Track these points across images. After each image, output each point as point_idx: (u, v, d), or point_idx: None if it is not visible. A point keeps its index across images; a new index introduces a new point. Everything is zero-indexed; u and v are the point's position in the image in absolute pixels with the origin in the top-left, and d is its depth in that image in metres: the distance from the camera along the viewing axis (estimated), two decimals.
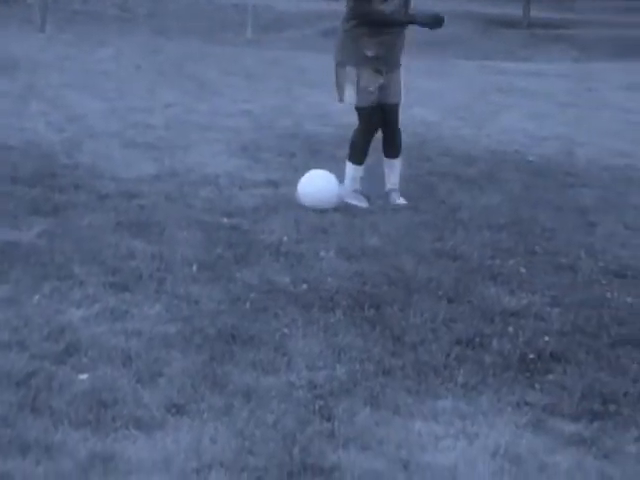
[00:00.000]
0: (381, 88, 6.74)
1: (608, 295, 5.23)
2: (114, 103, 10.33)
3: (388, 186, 6.98)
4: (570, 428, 3.77)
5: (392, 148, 7.00)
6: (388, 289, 5.13)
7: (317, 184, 6.67)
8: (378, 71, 6.70)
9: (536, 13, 25.67)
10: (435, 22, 6.77)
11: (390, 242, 5.95)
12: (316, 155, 8.34)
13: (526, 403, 3.96)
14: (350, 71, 6.71)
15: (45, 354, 4.14)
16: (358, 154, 6.91)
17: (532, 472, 3.44)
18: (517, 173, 8.14)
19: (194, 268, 5.27)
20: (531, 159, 8.86)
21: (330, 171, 7.74)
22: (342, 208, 6.67)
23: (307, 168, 7.82)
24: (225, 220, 6.24)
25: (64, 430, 3.54)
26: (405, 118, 10.31)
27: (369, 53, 6.64)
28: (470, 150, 8.84)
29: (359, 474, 3.36)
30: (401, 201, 6.85)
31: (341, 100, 6.89)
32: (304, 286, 5.09)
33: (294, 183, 7.35)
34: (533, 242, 6.13)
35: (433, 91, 12.45)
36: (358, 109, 6.81)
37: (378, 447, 3.55)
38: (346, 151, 8.56)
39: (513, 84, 14.09)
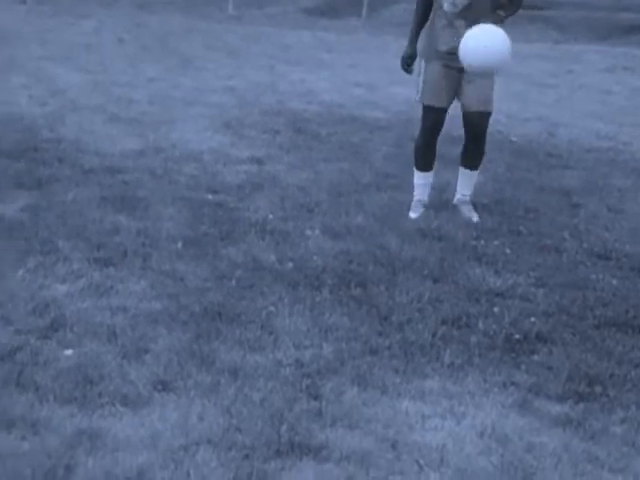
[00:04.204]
0: (459, 91, 5.94)
1: (593, 277, 5.24)
2: (97, 77, 10.25)
3: (457, 196, 6.28)
4: (556, 409, 3.78)
5: (468, 157, 6.20)
6: (374, 268, 5.12)
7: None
8: (451, 68, 5.85)
9: None
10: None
11: (375, 221, 5.94)
12: (300, 133, 8.32)
13: (512, 383, 3.96)
14: (421, 65, 6.02)
15: (30, 329, 4.11)
16: (419, 158, 6.21)
17: (519, 452, 3.45)
18: (500, 154, 8.13)
19: (179, 245, 5.24)
20: (514, 140, 8.87)
21: (313, 150, 7.75)
22: (326, 186, 6.65)
23: (291, 146, 7.84)
24: (210, 197, 6.21)
25: (49, 406, 3.52)
26: (387, 97, 10.38)
27: (442, 47, 5.87)
28: (455, 130, 8.83)
29: (347, 453, 3.36)
30: (474, 217, 6.14)
31: (417, 98, 6.09)
32: (290, 264, 5.08)
33: (278, 160, 7.35)
34: (517, 223, 6.13)
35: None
36: (422, 106, 6.07)
37: (366, 426, 3.55)
38: (330, 129, 8.60)
39: None
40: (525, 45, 17.17)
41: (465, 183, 6.30)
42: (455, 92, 5.97)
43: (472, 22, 5.65)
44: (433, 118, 6.04)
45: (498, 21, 5.74)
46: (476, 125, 6.01)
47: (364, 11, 21.84)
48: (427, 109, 6.04)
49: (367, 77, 11.73)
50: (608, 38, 19.12)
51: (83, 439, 3.34)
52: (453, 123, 6.40)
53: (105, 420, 3.47)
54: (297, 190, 6.50)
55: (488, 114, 5.99)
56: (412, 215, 6.12)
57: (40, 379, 3.69)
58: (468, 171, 6.27)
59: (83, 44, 12.50)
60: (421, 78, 6.00)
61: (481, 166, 6.32)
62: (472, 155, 6.21)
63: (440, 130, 6.12)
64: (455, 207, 6.27)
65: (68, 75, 10.20)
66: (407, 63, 6.06)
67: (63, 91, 9.30)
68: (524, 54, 15.73)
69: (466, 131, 6.08)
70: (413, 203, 6.21)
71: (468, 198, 6.29)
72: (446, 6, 5.80)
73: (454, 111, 6.13)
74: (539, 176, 7.52)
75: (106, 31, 13.94)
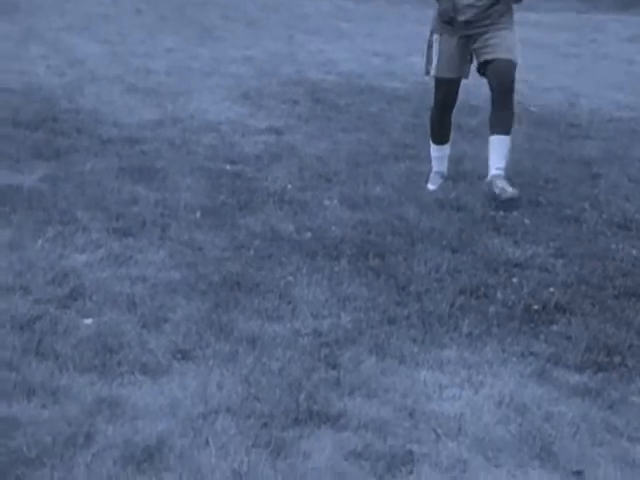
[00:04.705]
0: (480, 52, 5.72)
1: (613, 247, 5.22)
2: (115, 47, 10.24)
3: (492, 171, 5.67)
4: (575, 379, 3.78)
5: (499, 119, 5.69)
6: (392, 238, 5.11)
7: None
8: (466, 37, 5.73)
9: None
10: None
11: (393, 191, 5.92)
12: (319, 103, 8.29)
13: (531, 353, 3.96)
14: (435, 39, 5.80)
15: (49, 298, 4.13)
16: (434, 132, 6.07)
17: (537, 421, 3.45)
18: (520, 124, 8.07)
19: (198, 215, 5.25)
20: (534, 109, 8.81)
21: (331, 120, 7.73)
22: (345, 156, 6.63)
23: (310, 116, 7.82)
24: (228, 167, 6.21)
25: (69, 374, 3.54)
26: (405, 67, 10.32)
27: (461, 17, 5.69)
28: (472, 100, 8.76)
29: (365, 422, 3.36)
30: (510, 192, 5.56)
31: (426, 73, 5.91)
32: (308, 234, 5.07)
33: (297, 131, 7.34)
34: (537, 193, 6.10)
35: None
36: (434, 79, 5.90)
37: (384, 395, 3.55)
38: (349, 99, 8.57)
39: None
40: (548, 15, 17.04)
41: (498, 153, 5.72)
42: (469, 61, 5.85)
43: None
44: (447, 90, 5.90)
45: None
46: (504, 74, 5.63)
47: None
48: (441, 81, 5.89)
49: (385, 47, 11.67)
50: (630, 7, 18.92)
51: (103, 407, 3.36)
52: (471, 92, 6.34)
53: (125, 388, 3.49)
54: (315, 160, 6.49)
55: (514, 64, 5.66)
56: (430, 187, 6.08)
57: (60, 348, 3.71)
58: (500, 137, 5.71)
59: (101, 15, 12.48)
60: (433, 52, 5.82)
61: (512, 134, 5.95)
62: (502, 116, 5.69)
63: (455, 102, 6.02)
64: (490, 184, 5.69)
65: (86, 45, 10.20)
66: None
67: (81, 61, 9.29)
68: (547, 24, 15.61)
69: (494, 85, 5.69)
70: (431, 175, 6.16)
71: (503, 172, 5.71)
72: None
73: (471, 80, 6.07)
74: (559, 146, 7.47)
75: (124, 1, 13.90)
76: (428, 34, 5.93)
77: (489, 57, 5.67)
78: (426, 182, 6.13)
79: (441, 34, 5.82)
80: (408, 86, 9.35)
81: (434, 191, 6.02)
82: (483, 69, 5.77)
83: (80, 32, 11.00)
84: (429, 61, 5.88)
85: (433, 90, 6.04)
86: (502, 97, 5.65)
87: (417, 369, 3.77)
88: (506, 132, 5.72)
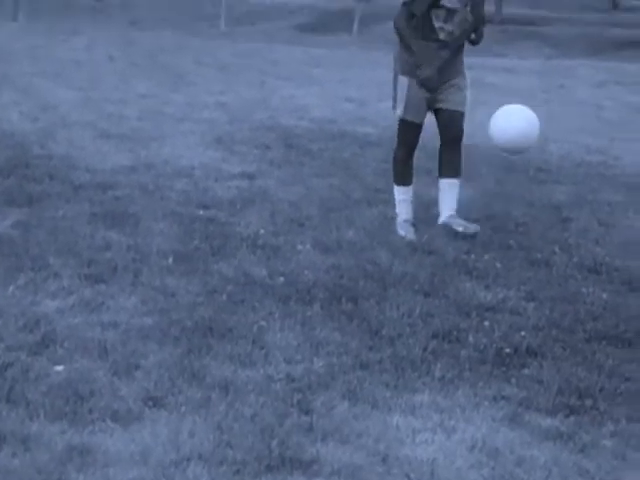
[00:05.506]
0: (435, 95, 6.07)
1: (583, 290, 5.26)
2: (87, 93, 10.27)
3: (445, 213, 6.11)
4: (546, 422, 3.79)
5: (451, 163, 6.13)
6: (365, 283, 5.13)
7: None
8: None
9: (508, 9, 25.78)
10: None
11: (366, 236, 5.95)
12: (292, 148, 8.34)
13: (503, 397, 3.97)
14: (404, 82, 6.09)
15: (20, 345, 4.11)
16: (400, 173, 6.23)
17: (509, 466, 3.45)
18: (490, 168, 8.15)
19: (170, 260, 5.25)
20: (505, 154, 8.88)
21: (304, 165, 7.77)
22: (317, 201, 6.66)
23: (282, 161, 7.85)
24: (201, 212, 6.22)
25: (40, 422, 3.51)
26: (377, 112, 10.40)
27: (425, 71, 6.00)
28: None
29: (338, 467, 3.35)
30: (473, 228, 6.02)
31: (394, 109, 6.20)
32: (281, 279, 5.08)
33: (270, 176, 7.37)
34: (507, 237, 6.15)
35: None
36: (400, 121, 6.18)
37: (356, 441, 3.55)
38: (321, 144, 8.62)
39: (485, 80, 14.10)
40: (518, 61, 17.25)
41: (450, 196, 6.13)
42: (429, 106, 6.14)
43: (454, 50, 6.08)
44: (415, 133, 6.20)
45: (474, 44, 6.20)
46: (457, 125, 6.12)
47: (355, 27, 21.90)
48: (410, 125, 6.16)
49: (357, 92, 11.77)
50: (599, 53, 19.20)
51: (74, 455, 3.33)
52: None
53: (96, 436, 3.47)
54: (288, 205, 6.51)
55: (463, 115, 6.16)
56: (402, 233, 6.07)
57: (31, 395, 3.69)
58: (452, 180, 6.14)
59: (74, 61, 12.53)
60: (404, 93, 6.09)
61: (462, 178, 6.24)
62: (453, 161, 6.14)
63: (417, 144, 6.26)
64: (446, 226, 6.08)
65: (59, 91, 10.22)
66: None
67: (54, 107, 9.31)
68: (516, 69, 15.81)
69: (446, 134, 6.15)
70: (401, 223, 6.16)
71: (455, 213, 6.12)
72: (443, 35, 6.01)
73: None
74: (529, 191, 7.54)
75: (97, 48, 13.98)
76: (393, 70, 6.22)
77: (443, 106, 6.10)
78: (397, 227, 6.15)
79: (410, 78, 6.07)
80: (380, 131, 9.41)
81: (407, 237, 6.01)
82: (435, 115, 6.19)
83: (53, 78, 11.04)
84: (397, 98, 6.17)
85: (398, 131, 6.23)
86: (452, 144, 6.14)
87: (390, 414, 3.77)
88: (456, 175, 6.17)
